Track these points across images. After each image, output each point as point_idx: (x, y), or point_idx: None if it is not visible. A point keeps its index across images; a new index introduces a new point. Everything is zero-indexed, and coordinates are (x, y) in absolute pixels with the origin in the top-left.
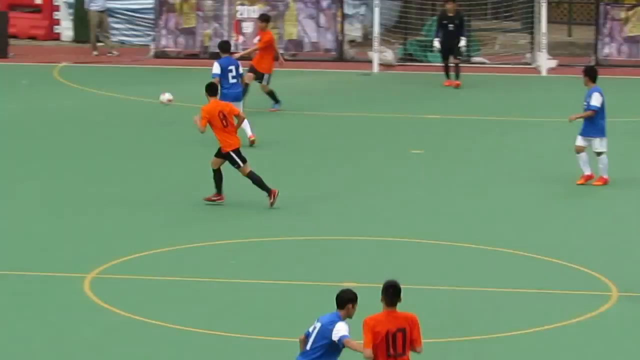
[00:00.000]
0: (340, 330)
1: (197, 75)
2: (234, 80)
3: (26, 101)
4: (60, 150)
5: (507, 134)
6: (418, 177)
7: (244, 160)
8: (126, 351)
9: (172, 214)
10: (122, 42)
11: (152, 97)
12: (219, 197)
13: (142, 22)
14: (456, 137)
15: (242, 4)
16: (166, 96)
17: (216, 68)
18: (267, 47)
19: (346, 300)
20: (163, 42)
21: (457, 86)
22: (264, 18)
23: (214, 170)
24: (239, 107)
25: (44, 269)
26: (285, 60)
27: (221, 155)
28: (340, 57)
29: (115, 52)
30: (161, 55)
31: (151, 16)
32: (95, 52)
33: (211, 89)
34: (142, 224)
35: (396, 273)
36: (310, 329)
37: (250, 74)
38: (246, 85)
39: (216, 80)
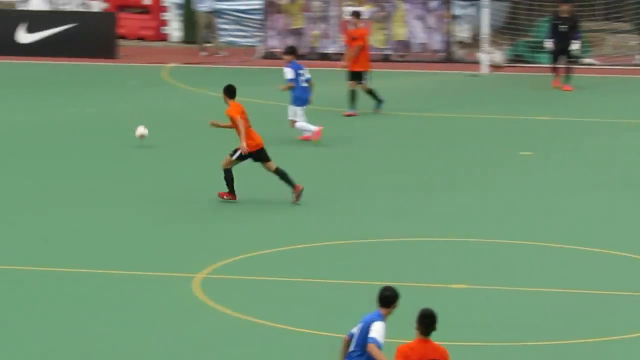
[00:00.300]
0: (374, 330)
1: None
2: (306, 84)
3: (135, 102)
4: (168, 150)
5: (617, 136)
6: (527, 179)
7: (238, 160)
8: (235, 351)
9: (280, 215)
10: (230, 43)
11: (260, 98)
12: (296, 190)
13: (250, 23)
14: (565, 139)
15: (350, 5)
16: (139, 131)
17: (290, 73)
18: (364, 45)
19: (394, 299)
20: (271, 42)
21: (568, 91)
22: (357, 14)
23: (275, 172)
24: (302, 112)
25: (155, 269)
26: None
27: (248, 156)
28: (448, 58)
29: (223, 53)
30: (269, 56)
31: (259, 17)
32: (203, 53)
33: (231, 92)
34: (252, 225)
35: (506, 275)
36: (354, 330)
37: (352, 82)
38: (353, 92)
39: (290, 85)
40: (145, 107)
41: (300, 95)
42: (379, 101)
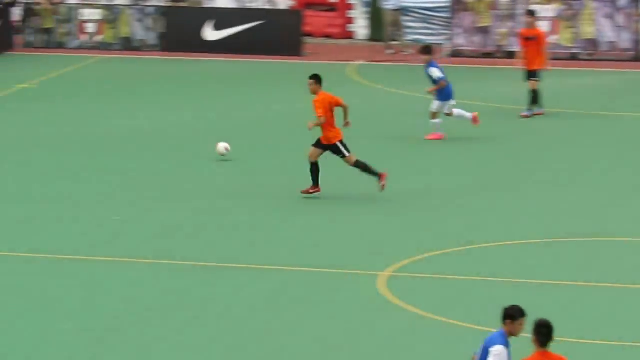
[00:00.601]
0: (492, 355)
1: (492, 74)
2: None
3: None
4: (353, 147)
5: None
6: None
7: (348, 150)
8: (427, 352)
9: (458, 214)
10: (417, 41)
11: None
12: (316, 189)
13: (437, 20)
14: None
15: (537, 3)
16: (222, 147)
17: (439, 72)
18: (541, 44)
19: (505, 316)
20: (457, 41)
21: None
22: (532, 13)
23: (312, 163)
24: (452, 103)
25: (341, 267)
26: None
27: (321, 146)
28: (637, 57)
29: (409, 51)
30: (456, 54)
31: (446, 15)
32: (389, 51)
33: (320, 80)
34: (436, 224)
35: None
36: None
37: (533, 82)
38: (535, 92)
39: (442, 84)
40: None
41: (448, 91)
42: (534, 105)
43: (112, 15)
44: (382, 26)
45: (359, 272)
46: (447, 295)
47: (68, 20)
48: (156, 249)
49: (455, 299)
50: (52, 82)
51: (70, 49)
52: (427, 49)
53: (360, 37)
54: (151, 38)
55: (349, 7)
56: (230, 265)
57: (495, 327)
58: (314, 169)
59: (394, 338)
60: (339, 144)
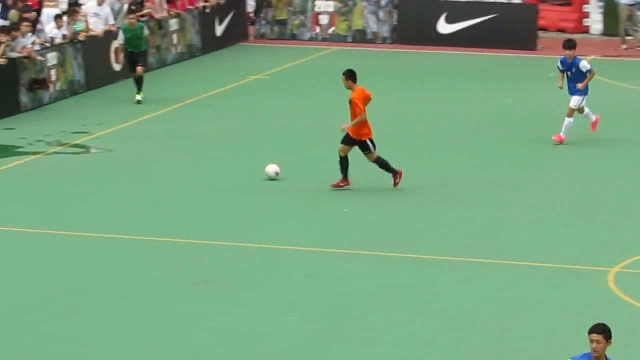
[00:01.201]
0: None
1: None
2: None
3: (552, 94)
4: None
5: None
6: None
7: (374, 147)
8: None
9: None
10: None
11: None
12: (345, 183)
13: None
14: None
15: None
16: (273, 169)
17: (588, 63)
18: None
19: (590, 329)
20: None
21: None
22: None
23: (342, 157)
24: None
25: (572, 262)
26: None
27: (350, 141)
28: None
29: None
30: None
31: None
32: (624, 46)
33: (354, 76)
34: None
35: None
36: None
37: None
38: None
39: (594, 72)
40: (562, 100)
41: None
42: None
43: (346, 8)
44: (617, 21)
45: (587, 267)
46: None
47: (301, 12)
48: (374, 242)
49: None
50: (283, 73)
51: (303, 40)
52: (571, 42)
53: (595, 32)
54: (384, 30)
55: (584, 1)
56: (459, 259)
57: None
58: (344, 163)
59: (623, 335)
60: (368, 142)
